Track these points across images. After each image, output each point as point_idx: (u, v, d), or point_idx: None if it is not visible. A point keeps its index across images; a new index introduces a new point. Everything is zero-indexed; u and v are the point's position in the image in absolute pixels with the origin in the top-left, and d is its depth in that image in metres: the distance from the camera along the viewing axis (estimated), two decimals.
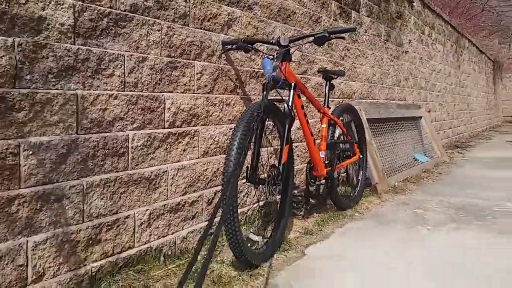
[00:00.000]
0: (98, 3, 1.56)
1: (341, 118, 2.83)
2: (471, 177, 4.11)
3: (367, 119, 3.52)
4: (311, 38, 2.10)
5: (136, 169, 1.72)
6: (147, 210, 1.77)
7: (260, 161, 1.97)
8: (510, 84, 14.40)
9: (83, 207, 1.51)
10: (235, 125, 1.80)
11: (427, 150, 4.98)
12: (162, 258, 1.79)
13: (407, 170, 4.05)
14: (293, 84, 2.09)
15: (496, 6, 13.48)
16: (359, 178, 3.04)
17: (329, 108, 2.68)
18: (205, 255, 1.84)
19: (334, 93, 3.35)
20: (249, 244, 1.84)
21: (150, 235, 1.78)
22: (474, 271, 1.83)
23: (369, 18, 3.95)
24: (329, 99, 2.72)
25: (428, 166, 4.53)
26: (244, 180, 1.97)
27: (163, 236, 1.85)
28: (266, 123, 1.99)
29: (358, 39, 3.78)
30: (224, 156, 2.20)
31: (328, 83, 2.71)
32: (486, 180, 3.93)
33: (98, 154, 1.57)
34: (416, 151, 4.70)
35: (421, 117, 5.14)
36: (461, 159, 5.42)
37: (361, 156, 3.00)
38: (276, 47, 2.11)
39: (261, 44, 2.33)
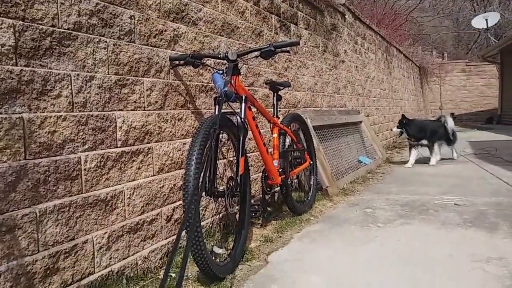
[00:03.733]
0: (40, 22, 1.51)
1: (289, 127, 2.93)
2: (410, 175, 4.43)
3: (312, 126, 3.67)
4: (258, 52, 2.16)
5: (91, 191, 1.66)
6: (105, 233, 1.70)
7: (216, 173, 1.98)
8: (434, 87, 15.71)
9: (38, 236, 1.43)
10: (191, 140, 1.80)
11: (369, 152, 5.27)
12: (124, 281, 1.74)
13: (353, 172, 4.25)
14: (244, 97, 2.14)
15: (417, 17, 14.72)
16: (310, 183, 3.15)
17: (278, 118, 2.77)
18: (171, 273, 1.81)
19: (281, 103, 3.46)
20: (213, 257, 1.84)
21: (111, 258, 1.72)
22: (421, 261, 1.98)
23: (307, 31, 4.15)
24: (277, 109, 2.81)
25: (372, 167, 4.79)
26: (203, 194, 1.97)
27: (124, 258, 1.79)
28: (220, 136, 2.01)
29: (299, 51, 3.95)
30: (180, 171, 2.19)
31: (275, 94, 2.80)
32: (423, 176, 4.26)
33: (49, 179, 1.49)
34: (359, 154, 4.96)
35: (361, 121, 5.44)
36: (400, 158, 5.80)
37: (311, 162, 3.12)
38: (225, 62, 2.15)
39: (208, 58, 2.36)
